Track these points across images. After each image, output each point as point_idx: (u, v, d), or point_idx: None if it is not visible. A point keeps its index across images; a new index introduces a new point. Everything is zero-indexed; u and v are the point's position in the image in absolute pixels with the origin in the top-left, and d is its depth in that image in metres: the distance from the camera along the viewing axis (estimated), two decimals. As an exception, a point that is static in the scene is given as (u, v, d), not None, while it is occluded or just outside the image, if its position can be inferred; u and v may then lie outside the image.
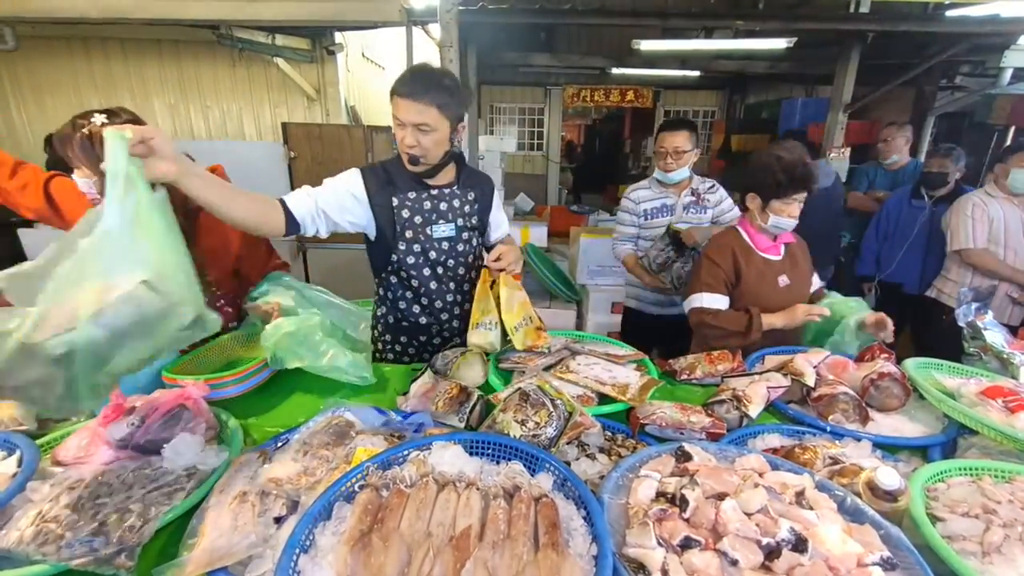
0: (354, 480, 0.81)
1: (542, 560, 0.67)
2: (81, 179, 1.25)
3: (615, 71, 6.99)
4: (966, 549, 0.76)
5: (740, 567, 0.68)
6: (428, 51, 6.02)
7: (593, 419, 1.04)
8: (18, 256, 3.36)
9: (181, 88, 5.20)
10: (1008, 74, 4.40)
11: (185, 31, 4.52)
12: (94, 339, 0.73)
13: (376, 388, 1.35)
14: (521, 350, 1.40)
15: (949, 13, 3.60)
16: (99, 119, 1.23)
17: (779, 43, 4.68)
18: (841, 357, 1.43)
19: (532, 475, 0.85)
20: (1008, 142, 5.04)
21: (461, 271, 1.57)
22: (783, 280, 1.73)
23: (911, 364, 1.30)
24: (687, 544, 0.71)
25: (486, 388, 1.30)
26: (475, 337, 1.39)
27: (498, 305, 1.39)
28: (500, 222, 1.68)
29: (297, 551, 0.68)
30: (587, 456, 1.01)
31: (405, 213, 1.45)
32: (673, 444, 0.96)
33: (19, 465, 0.92)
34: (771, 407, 1.26)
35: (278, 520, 0.81)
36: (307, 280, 3.30)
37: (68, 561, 0.73)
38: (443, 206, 1.49)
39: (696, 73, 7.36)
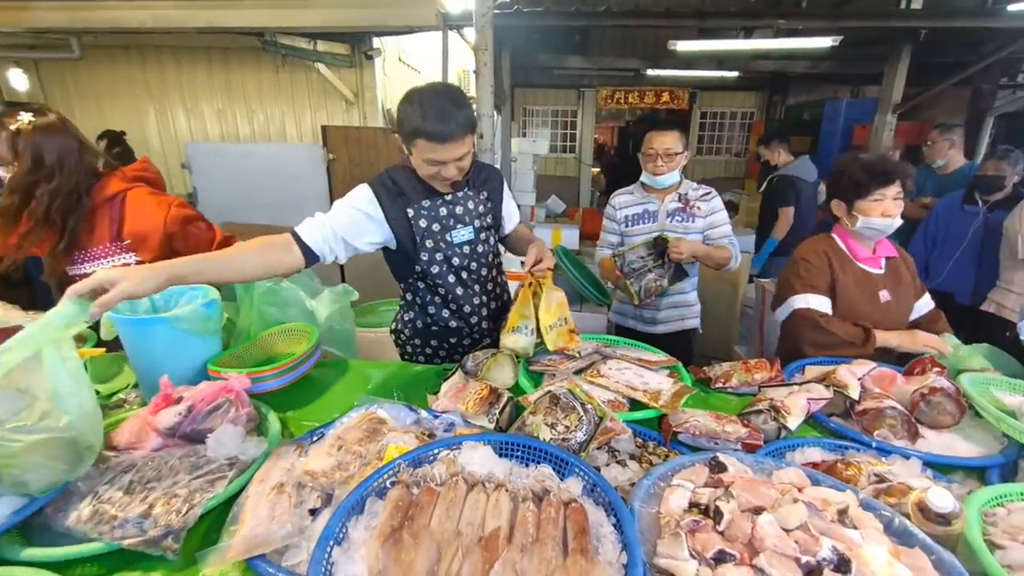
0: (386, 476, 0.82)
1: (571, 566, 0.66)
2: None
3: (650, 72, 6.91)
4: (1028, 580, 0.71)
5: (777, 584, 0.66)
6: (462, 54, 6.10)
7: (624, 425, 1.02)
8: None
9: (228, 93, 5.45)
10: (1077, 71, 4.12)
11: (233, 39, 4.73)
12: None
13: (407, 387, 1.38)
14: (552, 352, 1.39)
15: (1011, 7, 3.39)
16: (26, 117, 1.36)
17: (823, 42, 4.51)
18: (888, 369, 1.36)
19: (561, 479, 0.85)
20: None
21: (484, 272, 1.57)
22: (884, 295, 1.61)
23: (966, 379, 1.22)
24: (721, 558, 0.69)
25: (516, 390, 1.30)
26: (510, 340, 1.39)
27: (536, 306, 1.39)
28: (512, 213, 1.66)
29: (331, 543, 0.70)
30: (617, 462, 1.00)
31: (422, 223, 1.42)
32: (707, 454, 0.94)
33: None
34: (811, 419, 1.21)
35: (313, 512, 0.84)
36: (342, 279, 3.38)
37: (120, 541, 0.77)
38: (459, 210, 1.47)
39: (734, 74, 7.18)
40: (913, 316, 1.72)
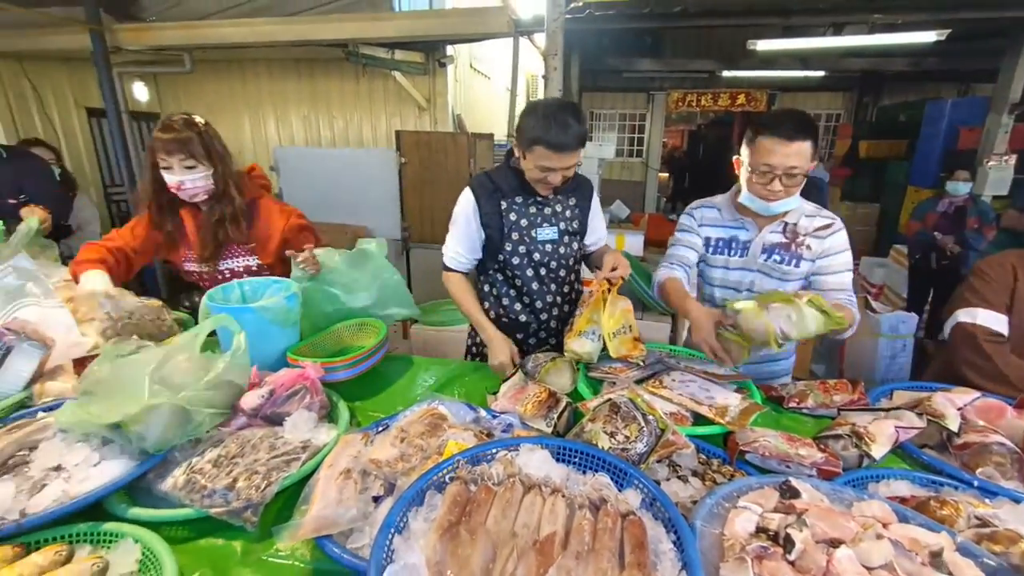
0: (445, 471, 0.84)
1: (628, 579, 0.65)
2: None
3: (725, 74, 6.62)
4: None
5: (856, 625, 0.61)
6: (532, 59, 6.14)
7: (687, 439, 0.99)
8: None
9: (313, 101, 5.88)
10: None
11: (320, 51, 5.08)
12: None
13: (468, 385, 1.41)
14: (615, 359, 1.37)
15: None
16: (199, 119, 1.50)
17: (927, 36, 4.10)
18: (996, 400, 1.21)
19: (619, 490, 0.83)
20: None
21: (562, 273, 1.62)
22: None
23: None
24: (791, 589, 0.65)
25: (574, 396, 1.29)
26: (576, 344, 1.39)
27: (604, 311, 1.38)
28: (597, 227, 1.69)
29: (392, 531, 0.73)
30: (678, 478, 0.97)
31: (512, 216, 1.52)
32: (778, 477, 0.88)
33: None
34: (899, 449, 1.10)
35: (376, 499, 0.88)
36: (408, 282, 3.52)
37: (208, 509, 0.85)
38: (547, 211, 1.55)
39: (820, 73, 6.71)
40: None
